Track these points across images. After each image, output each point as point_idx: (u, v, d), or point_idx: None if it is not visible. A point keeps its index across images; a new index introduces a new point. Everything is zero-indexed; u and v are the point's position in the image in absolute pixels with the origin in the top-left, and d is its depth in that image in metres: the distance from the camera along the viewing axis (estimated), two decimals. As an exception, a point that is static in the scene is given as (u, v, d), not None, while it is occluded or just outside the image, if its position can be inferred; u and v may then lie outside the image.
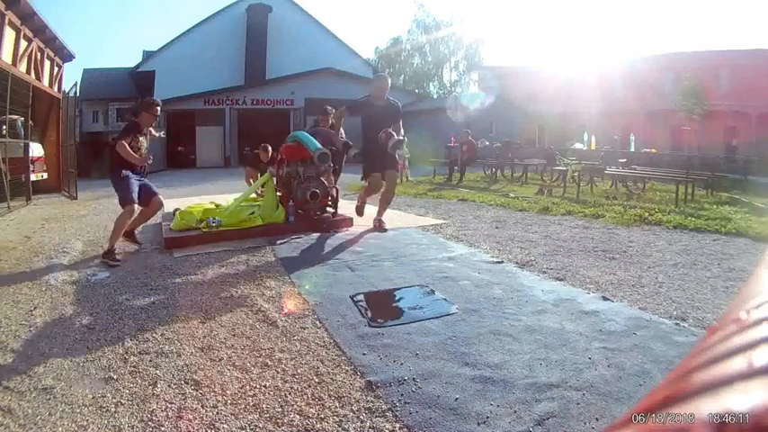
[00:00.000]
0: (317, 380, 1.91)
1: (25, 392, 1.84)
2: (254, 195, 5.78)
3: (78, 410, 1.72)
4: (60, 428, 1.61)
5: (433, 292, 2.96)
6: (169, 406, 1.74)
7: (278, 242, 4.36)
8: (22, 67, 8.43)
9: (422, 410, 1.67)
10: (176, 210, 5.00)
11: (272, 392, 1.82)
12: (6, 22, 7.61)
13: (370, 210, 6.41)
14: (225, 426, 1.62)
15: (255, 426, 1.61)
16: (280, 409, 1.71)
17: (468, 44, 37.64)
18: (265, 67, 21.88)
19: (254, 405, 1.74)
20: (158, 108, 4.30)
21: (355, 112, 4.89)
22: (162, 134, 4.88)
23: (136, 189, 4.08)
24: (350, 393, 1.81)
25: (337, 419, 1.64)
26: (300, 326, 2.47)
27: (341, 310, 2.67)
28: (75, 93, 10.37)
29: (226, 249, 4.12)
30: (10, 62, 7.82)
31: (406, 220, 5.54)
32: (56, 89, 10.79)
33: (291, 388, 1.86)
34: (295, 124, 19.26)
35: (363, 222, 5.25)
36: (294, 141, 5.32)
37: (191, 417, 1.67)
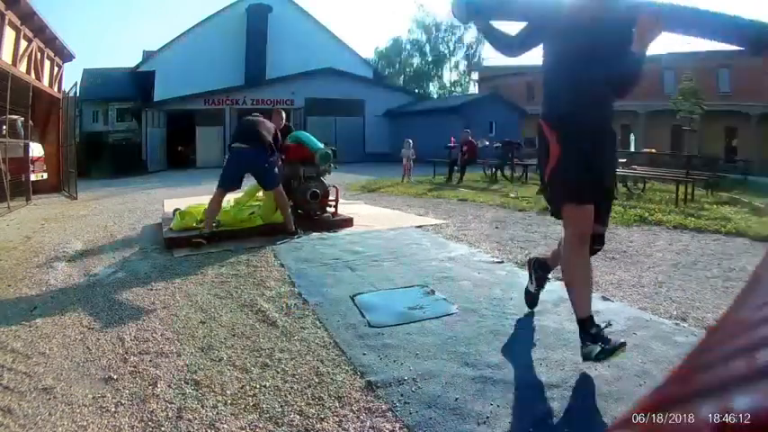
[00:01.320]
0: (317, 380, 1.91)
1: (25, 392, 1.84)
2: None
3: (78, 410, 1.72)
4: (60, 428, 1.61)
5: (433, 292, 2.96)
6: (169, 406, 1.74)
7: (278, 242, 4.36)
8: (22, 68, 8.43)
9: (422, 410, 1.67)
10: (176, 210, 4.99)
11: (272, 392, 1.82)
12: (6, 22, 7.61)
13: (370, 210, 6.42)
14: (225, 426, 1.62)
15: (255, 426, 1.61)
16: (280, 409, 1.71)
17: (468, 44, 37.71)
18: (265, 67, 21.87)
19: (254, 405, 1.74)
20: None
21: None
22: None
23: None
24: (350, 393, 1.81)
25: (337, 419, 1.64)
26: (300, 326, 2.47)
27: (341, 310, 2.67)
28: (76, 93, 10.37)
29: (226, 249, 4.12)
30: (10, 62, 7.82)
31: (406, 220, 5.54)
32: (56, 89, 10.80)
33: (291, 388, 1.86)
34: (295, 124, 19.23)
35: (363, 222, 5.25)
36: (294, 141, 5.32)
37: (191, 417, 1.67)
